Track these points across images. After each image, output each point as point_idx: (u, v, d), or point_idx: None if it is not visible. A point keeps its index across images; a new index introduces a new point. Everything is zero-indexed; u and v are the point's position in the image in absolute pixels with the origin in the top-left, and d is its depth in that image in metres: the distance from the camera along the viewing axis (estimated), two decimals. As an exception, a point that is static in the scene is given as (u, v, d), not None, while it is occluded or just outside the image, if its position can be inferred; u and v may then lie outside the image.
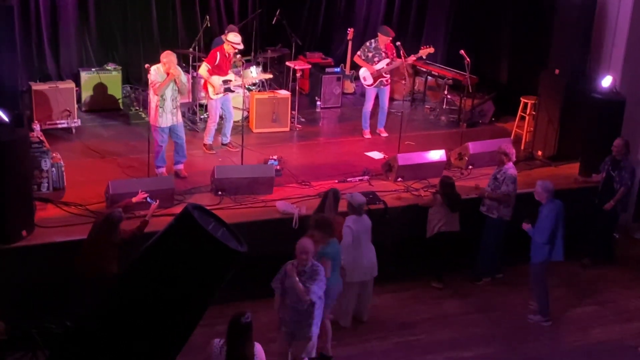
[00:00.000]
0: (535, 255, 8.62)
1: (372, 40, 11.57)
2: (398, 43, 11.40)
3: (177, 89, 9.58)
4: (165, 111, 9.52)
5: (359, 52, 11.63)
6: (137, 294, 3.50)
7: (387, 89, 11.68)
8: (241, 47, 10.78)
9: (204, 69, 10.63)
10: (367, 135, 11.86)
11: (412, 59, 11.41)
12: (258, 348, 5.76)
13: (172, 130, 9.70)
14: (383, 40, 11.39)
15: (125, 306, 3.48)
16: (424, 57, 11.82)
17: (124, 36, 12.96)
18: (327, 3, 14.30)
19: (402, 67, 11.60)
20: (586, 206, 9.94)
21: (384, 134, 11.85)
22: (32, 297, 7.82)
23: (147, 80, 9.71)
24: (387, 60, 11.39)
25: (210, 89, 10.63)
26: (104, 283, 7.10)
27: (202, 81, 10.94)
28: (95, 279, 7.34)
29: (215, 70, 10.58)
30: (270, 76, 12.12)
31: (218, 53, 10.65)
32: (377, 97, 11.68)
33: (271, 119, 11.70)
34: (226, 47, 10.63)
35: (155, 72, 9.49)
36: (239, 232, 3.94)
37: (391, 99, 12.66)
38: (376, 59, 11.42)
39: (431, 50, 11.42)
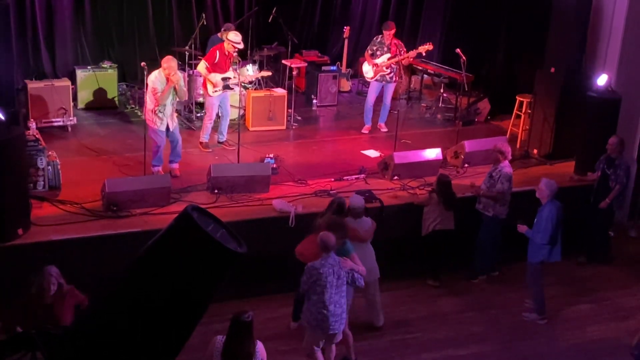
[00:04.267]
0: (534, 255, 8.62)
1: (379, 35, 11.82)
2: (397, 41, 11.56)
3: (176, 93, 9.57)
4: (165, 115, 9.51)
5: (368, 46, 11.92)
6: (136, 294, 3.49)
7: (392, 86, 11.85)
8: (241, 46, 10.78)
9: (202, 66, 10.60)
10: (365, 131, 11.90)
11: (412, 54, 11.65)
12: (260, 346, 5.79)
13: (168, 131, 9.67)
14: (385, 34, 11.63)
15: (123, 307, 3.48)
16: (423, 54, 11.92)
17: (120, 34, 12.94)
18: (323, 1, 14.30)
19: (402, 63, 11.85)
20: (582, 205, 9.96)
21: (384, 129, 11.91)
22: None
23: (143, 78, 9.69)
24: (388, 55, 11.48)
25: (209, 87, 10.60)
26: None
27: (201, 79, 10.93)
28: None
29: (214, 68, 10.54)
30: (270, 73, 12.13)
31: (217, 51, 10.61)
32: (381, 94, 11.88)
33: (267, 117, 11.70)
34: (226, 45, 10.59)
35: (156, 79, 9.43)
36: (236, 231, 3.94)
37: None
38: (378, 53, 11.66)
39: (430, 47, 11.58)
